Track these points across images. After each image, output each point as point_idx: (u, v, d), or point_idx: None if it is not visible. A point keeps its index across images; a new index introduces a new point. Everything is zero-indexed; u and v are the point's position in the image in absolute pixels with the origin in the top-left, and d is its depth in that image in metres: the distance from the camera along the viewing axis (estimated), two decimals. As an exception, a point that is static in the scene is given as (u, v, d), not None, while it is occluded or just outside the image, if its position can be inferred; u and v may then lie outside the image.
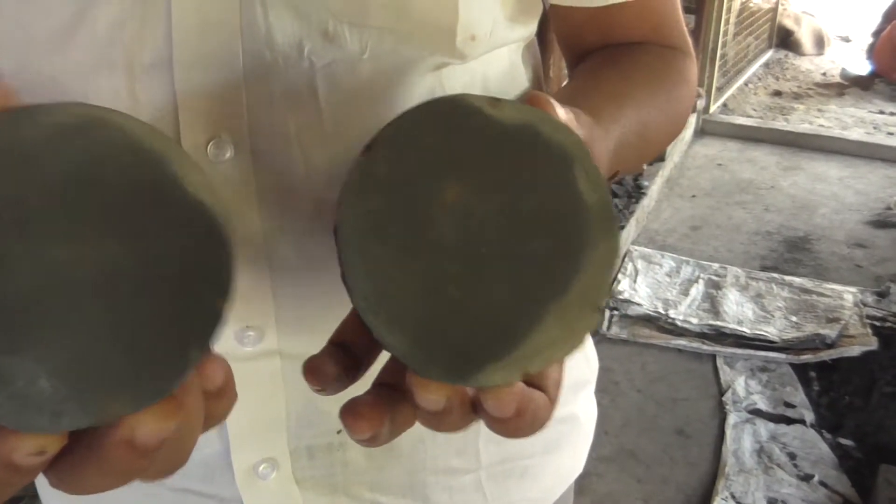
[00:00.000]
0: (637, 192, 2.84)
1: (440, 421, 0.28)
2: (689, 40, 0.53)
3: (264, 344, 0.41)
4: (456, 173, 0.26)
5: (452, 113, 0.27)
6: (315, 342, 0.42)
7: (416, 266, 0.26)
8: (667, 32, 0.50)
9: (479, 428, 0.48)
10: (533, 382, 0.27)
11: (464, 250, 0.25)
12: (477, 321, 0.25)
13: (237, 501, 0.45)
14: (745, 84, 4.36)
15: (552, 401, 0.28)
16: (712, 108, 3.80)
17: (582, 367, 0.57)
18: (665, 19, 0.50)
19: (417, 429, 0.47)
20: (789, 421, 1.92)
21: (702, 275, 2.50)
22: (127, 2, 0.35)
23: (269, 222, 0.39)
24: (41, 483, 0.53)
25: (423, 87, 0.40)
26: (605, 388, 1.97)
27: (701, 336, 2.21)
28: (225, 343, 0.41)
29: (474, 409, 0.28)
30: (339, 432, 0.45)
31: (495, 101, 0.26)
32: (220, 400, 0.28)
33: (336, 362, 0.30)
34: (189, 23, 0.35)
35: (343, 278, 0.27)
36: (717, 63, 3.75)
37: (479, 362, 0.25)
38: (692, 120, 3.61)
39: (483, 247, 0.25)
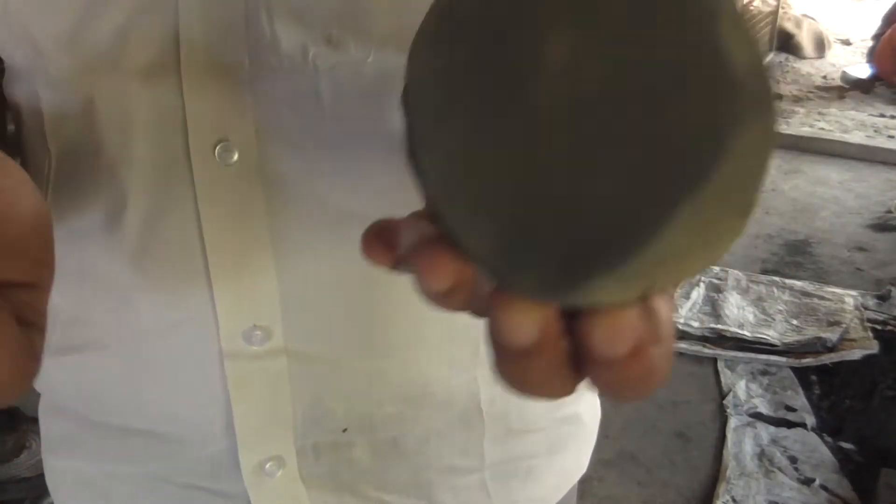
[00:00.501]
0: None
1: (526, 367, 0.20)
2: None
3: (271, 343, 0.42)
4: (566, 19, 0.19)
5: None
6: (322, 341, 0.43)
7: (509, 141, 0.19)
8: None
9: (484, 427, 0.49)
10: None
11: (573, 123, 0.19)
12: (584, 217, 0.19)
13: (244, 499, 0.45)
14: (746, 88, 4.36)
15: (667, 350, 0.21)
16: (713, 112, 3.80)
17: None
18: None
19: (422, 428, 0.47)
20: (790, 424, 1.92)
21: (702, 278, 2.50)
22: (133, 7, 0.35)
23: (276, 224, 0.40)
24: (52, 481, 0.53)
25: None
26: (606, 391, 1.97)
27: (702, 339, 2.20)
28: (232, 342, 0.41)
29: (576, 355, 0.20)
30: (344, 431, 0.45)
31: None
32: None
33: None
34: (195, 29, 0.36)
35: (410, 157, 0.21)
36: (718, 66, 3.74)
37: (585, 271, 0.18)
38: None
39: (598, 119, 0.19)
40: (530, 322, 0.19)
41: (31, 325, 0.26)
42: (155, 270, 0.41)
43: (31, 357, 0.25)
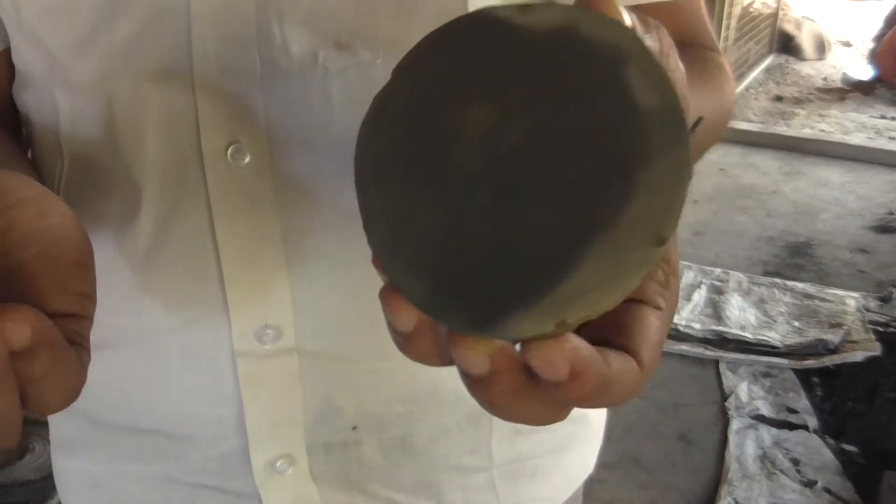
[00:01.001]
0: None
1: (488, 391, 0.22)
2: (717, 42, 0.53)
3: (282, 342, 0.42)
4: (480, 94, 0.22)
5: (474, 28, 0.22)
6: (332, 340, 0.43)
7: (437, 201, 0.22)
8: (697, 32, 0.50)
9: (492, 426, 0.49)
10: (616, 342, 0.23)
11: (492, 180, 0.21)
12: (505, 259, 0.21)
13: (254, 497, 0.46)
14: (747, 89, 4.37)
15: (644, 364, 0.23)
16: (714, 114, 3.81)
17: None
18: (694, 18, 0.50)
19: (431, 427, 0.47)
20: (792, 427, 1.92)
21: (704, 280, 2.50)
22: (146, 15, 0.36)
23: (287, 224, 0.40)
24: (61, 481, 0.53)
25: None
26: (609, 393, 1.97)
27: (704, 341, 2.21)
28: (244, 341, 0.42)
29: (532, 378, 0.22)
30: (354, 429, 0.45)
31: (525, 7, 0.22)
32: (32, 361, 0.24)
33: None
34: (208, 36, 0.36)
35: (364, 226, 0.24)
36: (719, 69, 3.75)
37: (505, 307, 0.20)
38: (694, 126, 3.61)
39: (514, 174, 0.21)
40: (477, 355, 0.21)
41: (79, 346, 0.28)
42: (167, 270, 0.41)
43: (82, 374, 0.27)
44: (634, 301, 0.25)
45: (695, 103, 0.40)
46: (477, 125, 0.22)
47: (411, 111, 0.23)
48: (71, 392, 0.26)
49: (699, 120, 0.33)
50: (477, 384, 0.22)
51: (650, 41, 0.22)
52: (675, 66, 0.24)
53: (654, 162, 0.20)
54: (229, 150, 0.38)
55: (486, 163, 0.21)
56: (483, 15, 0.22)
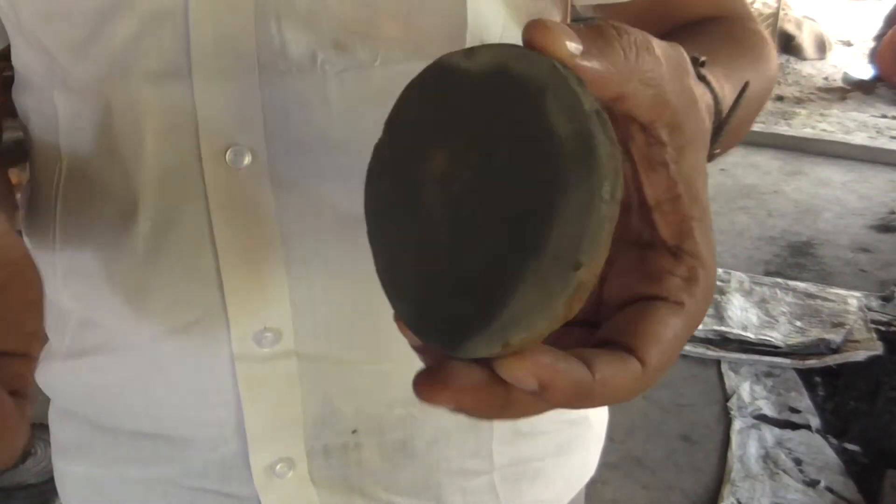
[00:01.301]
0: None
1: (477, 401, 0.24)
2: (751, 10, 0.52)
3: (281, 345, 0.42)
4: (438, 139, 0.25)
5: (433, 78, 0.25)
6: (332, 343, 0.43)
7: (413, 240, 0.25)
8: (736, 5, 0.50)
9: (493, 429, 0.49)
10: (621, 342, 0.25)
11: (449, 219, 0.24)
12: (462, 291, 0.24)
13: (254, 500, 0.46)
14: (748, 89, 4.36)
15: (649, 363, 0.24)
16: (715, 114, 3.81)
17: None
18: None
19: (431, 430, 0.47)
20: (795, 426, 1.91)
21: (706, 280, 2.50)
22: (144, 17, 0.36)
23: (286, 226, 0.40)
24: (62, 486, 0.53)
25: None
26: (610, 394, 1.97)
27: (705, 341, 2.20)
28: (243, 344, 0.42)
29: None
30: (354, 432, 0.45)
31: (469, 52, 0.24)
32: None
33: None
34: (206, 37, 0.36)
35: (374, 261, 0.28)
36: (720, 69, 3.75)
37: (464, 333, 0.23)
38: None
39: (464, 212, 0.24)
40: (463, 369, 0.23)
41: (20, 395, 0.27)
42: (166, 274, 0.41)
43: (23, 426, 0.27)
44: (650, 298, 0.26)
45: (738, 74, 0.39)
46: (438, 169, 0.25)
47: (394, 159, 0.26)
48: (13, 450, 0.26)
49: (745, 85, 0.34)
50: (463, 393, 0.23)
51: (594, 55, 0.23)
52: (657, 56, 0.24)
53: (565, 190, 0.21)
54: (228, 153, 0.38)
55: (446, 203, 0.24)
56: (439, 63, 0.25)
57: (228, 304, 0.41)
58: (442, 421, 0.47)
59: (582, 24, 0.25)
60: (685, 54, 0.27)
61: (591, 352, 0.24)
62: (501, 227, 0.23)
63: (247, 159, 0.39)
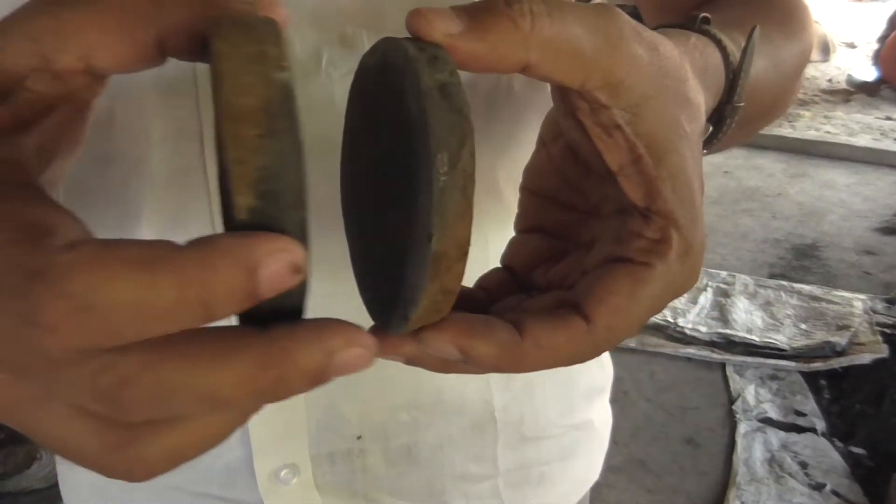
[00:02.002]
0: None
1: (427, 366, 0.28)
2: None
3: None
4: (361, 136, 0.27)
5: (357, 74, 0.27)
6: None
7: (356, 229, 0.29)
8: None
9: (497, 434, 0.49)
10: (571, 302, 0.25)
11: (371, 207, 0.27)
12: (382, 274, 0.26)
13: (259, 507, 0.45)
14: (751, 92, 4.36)
15: (596, 324, 0.25)
16: (718, 117, 3.80)
17: (596, 373, 0.57)
18: None
19: (436, 435, 0.47)
20: (800, 429, 1.91)
21: (710, 283, 2.50)
22: None
23: None
24: (67, 491, 0.53)
25: None
26: (615, 398, 1.95)
27: (710, 344, 2.20)
28: None
29: None
30: (358, 438, 0.45)
31: (374, 47, 0.26)
32: None
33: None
34: None
35: None
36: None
37: (388, 314, 0.25)
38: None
39: (379, 200, 0.26)
40: (398, 342, 0.26)
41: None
42: None
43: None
44: (610, 260, 0.26)
45: (769, 53, 0.39)
46: (361, 163, 0.27)
47: (344, 155, 0.30)
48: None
49: (753, 29, 0.34)
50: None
51: (477, 31, 0.24)
52: (565, 20, 0.24)
53: (415, 166, 0.22)
54: None
55: (368, 193, 0.27)
56: (361, 60, 0.26)
57: None
58: (446, 426, 0.47)
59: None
60: (622, 16, 0.26)
61: (527, 315, 0.25)
62: (396, 212, 0.24)
63: None
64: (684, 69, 0.28)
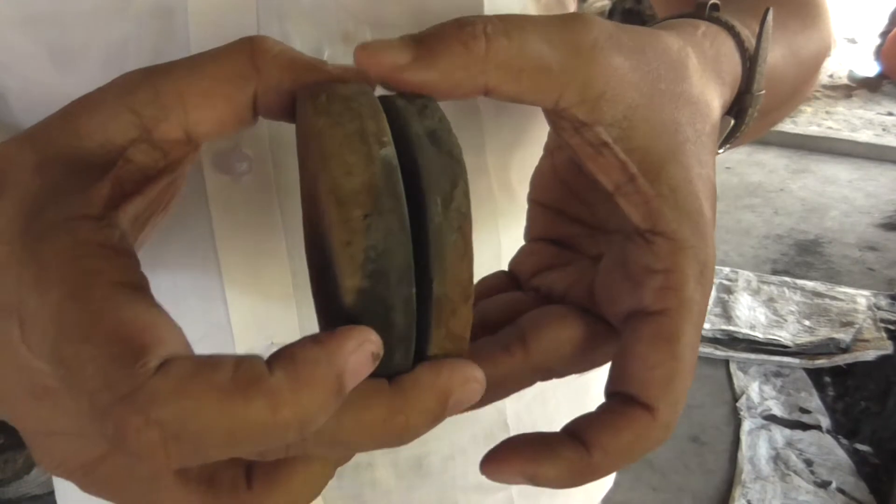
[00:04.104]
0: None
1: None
2: None
3: None
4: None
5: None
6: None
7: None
8: None
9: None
10: (626, 393, 0.25)
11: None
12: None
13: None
14: (752, 87, 4.36)
15: (658, 407, 0.24)
16: (719, 112, 3.80)
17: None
18: None
19: (447, 446, 0.46)
20: (805, 427, 1.90)
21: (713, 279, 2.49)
22: (142, 17, 0.34)
23: (292, 235, 0.39)
24: (62, 497, 0.53)
25: None
26: (618, 395, 1.97)
27: (714, 341, 2.19)
28: None
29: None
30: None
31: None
32: None
33: None
34: (206, 37, 0.35)
35: None
36: (724, 66, 3.74)
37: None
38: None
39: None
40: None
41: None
42: (167, 288, 0.39)
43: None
44: (631, 317, 0.25)
45: (785, 40, 0.38)
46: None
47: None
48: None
49: (767, 11, 0.33)
50: None
51: (426, 59, 0.23)
52: (524, 37, 0.23)
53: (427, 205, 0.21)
54: (230, 159, 0.37)
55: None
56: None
57: (233, 320, 0.39)
58: (457, 436, 0.46)
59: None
60: (594, 24, 0.24)
61: (584, 423, 0.24)
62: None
63: (249, 165, 0.37)
64: (684, 65, 0.26)
